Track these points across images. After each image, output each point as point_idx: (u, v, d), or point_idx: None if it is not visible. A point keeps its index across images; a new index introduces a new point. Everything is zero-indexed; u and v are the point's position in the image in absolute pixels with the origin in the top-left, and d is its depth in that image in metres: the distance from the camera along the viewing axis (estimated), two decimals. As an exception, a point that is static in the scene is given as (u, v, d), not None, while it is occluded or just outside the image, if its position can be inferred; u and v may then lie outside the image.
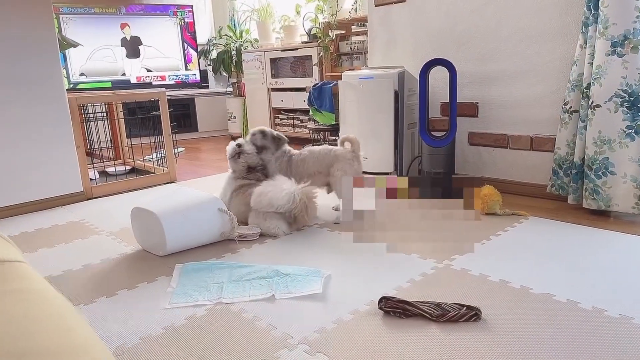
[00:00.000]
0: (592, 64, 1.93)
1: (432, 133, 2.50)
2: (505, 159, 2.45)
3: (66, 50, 4.33)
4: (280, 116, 4.35)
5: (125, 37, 4.72)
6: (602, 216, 1.98)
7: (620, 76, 1.85)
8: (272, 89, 4.38)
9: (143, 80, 4.83)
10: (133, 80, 4.78)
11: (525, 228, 1.88)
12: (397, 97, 2.52)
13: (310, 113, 3.58)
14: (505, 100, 2.40)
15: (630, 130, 1.86)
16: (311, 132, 3.54)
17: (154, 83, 4.87)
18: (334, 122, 3.26)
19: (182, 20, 4.99)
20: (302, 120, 4.12)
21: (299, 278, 1.50)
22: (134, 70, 4.79)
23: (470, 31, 2.48)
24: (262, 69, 4.40)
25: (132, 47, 4.78)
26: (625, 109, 1.85)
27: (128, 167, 3.31)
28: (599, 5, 1.88)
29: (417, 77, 2.54)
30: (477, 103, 2.51)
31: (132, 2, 4.77)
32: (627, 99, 1.85)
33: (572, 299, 1.30)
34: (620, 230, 1.81)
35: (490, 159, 2.51)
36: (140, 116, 3.40)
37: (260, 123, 4.55)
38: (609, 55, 1.86)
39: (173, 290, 1.47)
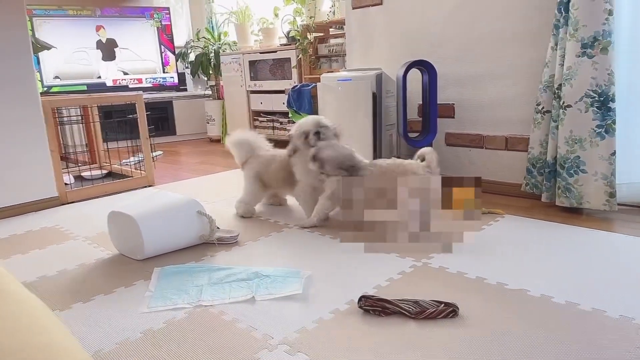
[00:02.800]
0: (563, 65, 1.99)
1: (409, 134, 2.53)
2: (481, 158, 2.49)
3: (39, 53, 4.24)
4: (260, 118, 4.34)
5: (100, 39, 4.65)
6: (574, 213, 2.03)
7: (590, 77, 1.90)
8: (251, 91, 4.36)
9: (119, 83, 4.76)
10: (109, 83, 4.71)
11: (501, 226, 1.91)
12: (375, 98, 2.54)
13: (290, 115, 3.58)
14: (481, 101, 2.44)
15: (600, 130, 1.91)
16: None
17: (130, 86, 4.81)
18: (313, 124, 3.26)
19: (159, 23, 4.94)
20: (281, 123, 4.12)
21: (279, 279, 1.50)
22: (109, 73, 4.72)
23: (445, 34, 2.52)
24: (241, 71, 4.38)
25: (108, 49, 4.71)
26: (595, 108, 1.91)
27: (104, 172, 3.25)
28: (570, 7, 1.93)
29: (395, 78, 2.57)
30: (454, 104, 2.56)
31: (108, 4, 4.71)
32: (597, 99, 1.90)
33: (546, 293, 1.33)
34: (592, 227, 1.86)
35: (467, 158, 2.55)
36: (117, 119, 3.35)
37: (240, 126, 4.53)
38: (579, 56, 1.91)
39: (151, 294, 1.45)
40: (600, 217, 1.97)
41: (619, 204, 1.96)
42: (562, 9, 1.97)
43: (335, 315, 1.27)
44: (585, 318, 1.20)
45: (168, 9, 5.01)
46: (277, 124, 4.18)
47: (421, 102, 2.63)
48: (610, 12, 1.85)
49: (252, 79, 4.31)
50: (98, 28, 4.62)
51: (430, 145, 2.41)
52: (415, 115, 2.75)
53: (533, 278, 1.43)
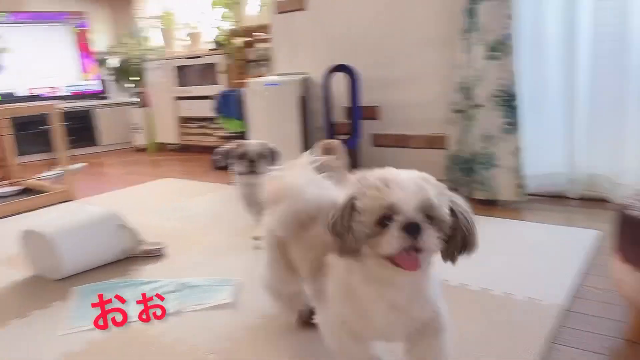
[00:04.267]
0: (472, 67, 2.12)
1: (337, 137, 2.58)
2: (406, 157, 2.60)
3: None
4: (189, 125, 4.24)
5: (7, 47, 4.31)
6: (491, 205, 2.17)
7: (497, 78, 2.04)
8: (178, 97, 4.25)
9: (32, 93, 4.46)
10: (24, 93, 4.40)
11: (425, 221, 2.00)
12: (304, 102, 2.58)
13: (220, 121, 3.54)
14: (404, 102, 2.54)
15: (508, 126, 2.06)
16: (220, 139, 3.50)
17: (46, 95, 4.52)
18: (242, 129, 3.25)
19: (77, 28, 4.69)
20: (211, 129, 4.04)
21: (208, 289, 1.48)
22: (22, 82, 4.41)
23: (367, 39, 2.60)
24: (168, 77, 4.26)
25: (18, 57, 4.39)
26: (503, 107, 2.05)
27: (19, 188, 3.04)
28: (476, 13, 2.06)
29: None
30: (378, 106, 2.64)
31: (20, 8, 4.40)
32: (504, 98, 2.05)
33: (463, 282, 1.41)
34: (506, 216, 2.00)
35: (393, 157, 2.65)
36: (30, 131, 3.14)
37: (168, 133, 4.40)
38: (486, 59, 2.05)
39: (71, 314, 1.38)
40: (512, 207, 2.11)
41: (528, 194, 2.13)
42: (470, 14, 2.10)
43: (264, 320, 1.27)
44: (497, 302, 1.29)
45: (86, 13, 4.77)
46: (207, 130, 4.11)
47: (348, 105, 2.69)
48: (511, 17, 2.00)
49: (179, 84, 4.20)
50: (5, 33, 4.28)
51: (356, 146, 2.48)
52: (343, 118, 2.81)
53: (451, 268, 1.51)
